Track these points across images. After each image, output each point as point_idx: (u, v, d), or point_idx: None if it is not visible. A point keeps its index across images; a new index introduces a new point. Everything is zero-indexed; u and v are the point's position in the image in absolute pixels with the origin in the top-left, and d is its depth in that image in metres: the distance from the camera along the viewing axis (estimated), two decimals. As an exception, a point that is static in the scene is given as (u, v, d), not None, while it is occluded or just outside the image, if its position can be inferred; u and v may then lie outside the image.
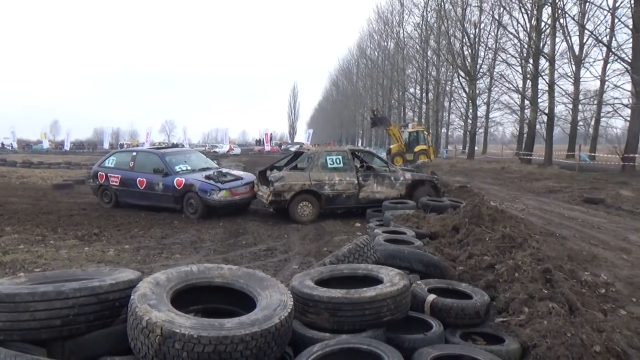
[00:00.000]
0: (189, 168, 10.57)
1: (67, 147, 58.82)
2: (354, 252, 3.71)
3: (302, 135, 77.84)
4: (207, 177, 9.85)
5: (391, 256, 4.15)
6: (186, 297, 2.77)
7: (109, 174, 10.88)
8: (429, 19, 41.95)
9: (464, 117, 40.25)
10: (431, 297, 3.38)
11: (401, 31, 49.05)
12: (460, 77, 36.58)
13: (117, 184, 10.71)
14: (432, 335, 2.94)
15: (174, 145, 15.71)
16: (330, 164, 9.35)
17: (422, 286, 3.60)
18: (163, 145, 21.71)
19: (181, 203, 9.84)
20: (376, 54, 58.41)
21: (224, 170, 10.88)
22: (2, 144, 62.36)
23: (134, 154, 11.24)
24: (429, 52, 42.51)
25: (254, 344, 2.23)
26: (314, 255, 6.34)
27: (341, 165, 9.44)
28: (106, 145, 60.55)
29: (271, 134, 68.52)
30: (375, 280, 3.18)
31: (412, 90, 49.07)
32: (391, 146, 30.97)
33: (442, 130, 47.03)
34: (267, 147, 59.67)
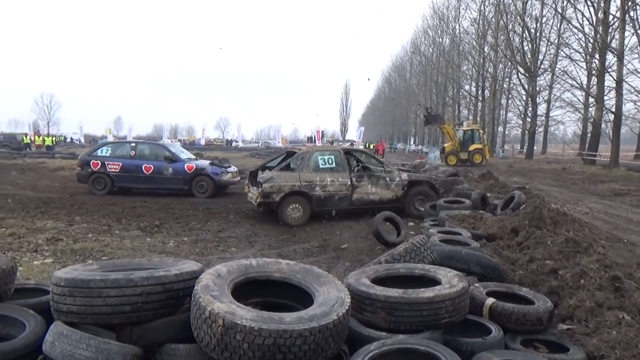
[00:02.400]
0: (190, 156, 13.26)
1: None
2: (410, 251, 3.67)
3: (354, 133, 77.59)
4: (212, 164, 12.44)
5: (448, 257, 4.07)
6: (245, 290, 2.84)
7: (105, 162, 12.23)
8: (486, 14, 40.74)
9: (522, 116, 38.81)
10: (490, 300, 3.29)
11: (457, 27, 47.97)
12: (520, 74, 35.27)
13: (118, 170, 12.22)
14: (491, 339, 2.86)
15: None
16: (322, 165, 8.96)
17: (481, 289, 3.50)
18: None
19: (190, 185, 11.96)
20: (431, 50, 57.37)
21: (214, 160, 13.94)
22: (71, 138, 66.30)
23: (133, 144, 13.27)
24: (486, 48, 41.27)
25: (312, 339, 2.25)
26: (366, 253, 6.32)
27: (334, 165, 9.04)
28: (165, 139, 63.00)
29: (323, 131, 68.79)
30: (433, 281, 3.13)
31: (467, 87, 47.87)
32: (445, 145, 30.28)
33: (499, 129, 45.47)
34: (319, 144, 60.00)
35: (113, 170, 12.17)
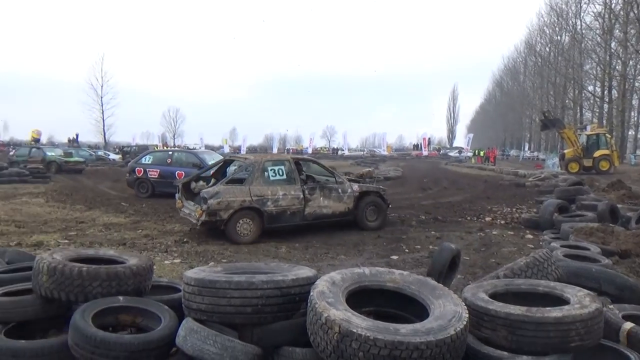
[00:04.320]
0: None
1: (243, 151, 65.66)
2: (532, 266, 3.42)
3: (462, 140, 74.77)
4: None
5: (575, 274, 3.73)
6: (357, 298, 2.86)
7: (147, 169, 13.58)
8: (613, 7, 36.90)
9: (659, 117, 34.41)
10: (628, 325, 2.95)
11: (578, 22, 44.14)
12: (656, 71, 31.37)
13: (156, 176, 13.33)
14: (630, 369, 2.56)
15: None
16: (272, 176, 8.12)
17: (616, 312, 3.16)
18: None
19: None
20: (547, 49, 53.42)
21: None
22: (193, 148, 72.21)
23: (170, 152, 14.72)
24: (612, 44, 37.41)
25: (428, 353, 2.20)
26: (480, 266, 6.03)
27: (284, 177, 8.23)
28: (275, 150, 65.98)
29: (429, 138, 67.28)
30: (559, 300, 2.88)
31: (590, 88, 43.73)
32: (565, 151, 27.90)
33: (629, 133, 40.84)
34: (425, 152, 58.78)
35: (153, 176, 13.50)
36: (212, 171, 9.24)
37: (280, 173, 8.22)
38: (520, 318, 2.57)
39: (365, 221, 8.82)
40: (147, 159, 14.44)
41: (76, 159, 25.37)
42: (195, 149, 30.69)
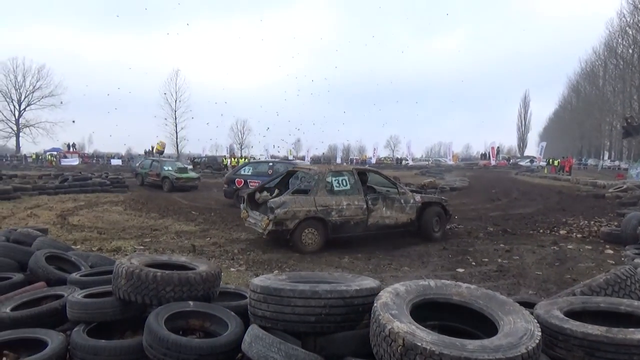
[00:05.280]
0: None
1: (307, 162, 66.65)
2: (612, 283, 3.19)
3: (534, 149, 71.16)
4: None
5: (663, 294, 3.43)
6: (421, 311, 2.80)
7: (248, 180, 13.96)
8: None
9: None
10: None
11: (666, 21, 40.74)
12: None
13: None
14: None
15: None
16: (336, 187, 8.13)
17: None
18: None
19: None
20: (630, 51, 49.75)
21: None
22: (259, 159, 74.26)
23: (271, 164, 15.01)
24: None
25: (497, 371, 2.11)
26: (554, 282, 5.71)
27: (348, 187, 8.22)
28: (338, 160, 66.35)
29: (498, 147, 64.78)
30: (644, 321, 2.67)
31: (681, 91, 40.13)
32: (651, 160, 25.81)
33: None
34: (493, 161, 56.60)
35: (253, 187, 13.43)
36: (275, 182, 9.41)
37: (344, 183, 8.27)
38: (600, 339, 2.40)
39: (430, 232, 8.78)
40: (246, 170, 15.06)
41: (189, 175, 22.92)
42: (264, 159, 31.36)
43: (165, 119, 63.37)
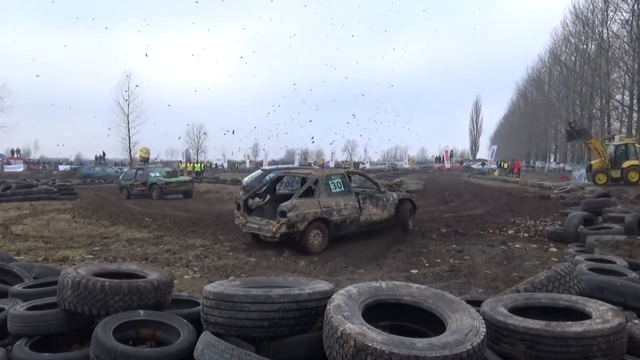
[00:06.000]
0: None
1: (265, 166, 66.18)
2: (553, 280, 3.36)
3: (485, 152, 73.63)
4: None
5: (599, 288, 3.64)
6: (374, 312, 2.85)
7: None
8: (640, 13, 36.16)
9: (691, 126, 33.37)
10: (654, 340, 2.86)
11: (605, 31, 43.20)
12: (686, 78, 30.52)
13: None
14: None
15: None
16: (333, 189, 8.74)
17: (642, 327, 3.06)
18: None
19: None
20: (573, 59, 52.46)
21: None
22: (216, 164, 73.13)
23: (284, 177, 14.47)
24: (641, 52, 36.52)
25: (445, 367, 2.18)
26: (502, 280, 5.93)
27: (342, 189, 8.91)
28: (296, 164, 66.34)
29: (451, 150, 66.69)
30: (581, 314, 2.82)
31: (618, 97, 42.63)
32: (592, 162, 27.21)
33: (661, 143, 39.61)
34: (447, 165, 58.18)
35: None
36: (265, 188, 9.74)
37: (339, 185, 8.92)
38: (540, 333, 2.53)
39: (406, 225, 9.88)
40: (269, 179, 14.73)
41: (179, 178, 21.33)
42: (217, 165, 30.67)
43: (118, 123, 61.39)
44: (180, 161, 51.92)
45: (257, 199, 9.14)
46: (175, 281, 5.61)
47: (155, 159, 57.28)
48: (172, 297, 3.51)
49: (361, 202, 9.02)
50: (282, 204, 8.08)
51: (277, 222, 7.88)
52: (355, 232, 8.94)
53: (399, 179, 22.55)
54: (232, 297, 2.75)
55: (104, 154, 53.41)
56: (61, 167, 52.30)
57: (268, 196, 9.37)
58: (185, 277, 6.16)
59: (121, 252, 7.82)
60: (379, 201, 9.43)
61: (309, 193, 8.59)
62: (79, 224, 11.26)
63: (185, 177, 21.87)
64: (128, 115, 62.09)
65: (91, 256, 7.47)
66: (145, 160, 40.23)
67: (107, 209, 14.85)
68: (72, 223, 11.34)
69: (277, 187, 10.04)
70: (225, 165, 70.30)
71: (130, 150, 63.14)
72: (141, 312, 3.07)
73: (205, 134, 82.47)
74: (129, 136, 62.76)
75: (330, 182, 8.78)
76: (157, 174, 20.90)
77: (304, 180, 9.46)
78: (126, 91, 60.48)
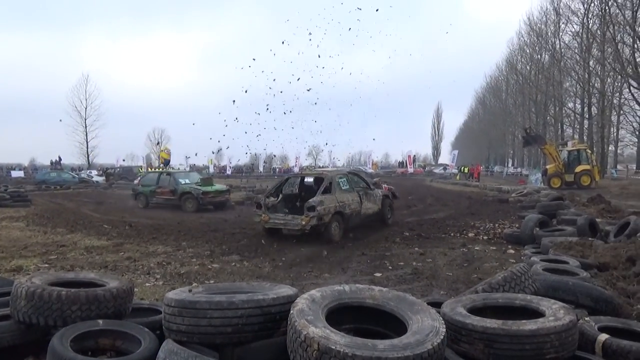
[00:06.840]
0: None
1: (229, 171, 65.37)
2: (509, 280, 3.48)
3: (447, 157, 75.47)
4: None
5: (552, 287, 3.80)
6: (338, 316, 2.88)
7: None
8: (590, 26, 37.95)
9: (637, 133, 35.25)
10: (603, 336, 3.01)
11: (557, 42, 45.16)
12: (632, 88, 32.24)
13: None
14: (605, 380, 2.61)
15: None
16: (343, 186, 10.13)
17: (592, 324, 3.22)
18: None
19: None
20: (528, 68, 54.53)
21: None
22: (179, 169, 71.69)
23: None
24: (591, 62, 38.28)
25: (406, 368, 2.23)
26: (462, 282, 6.08)
27: (347, 186, 10.33)
28: (261, 169, 65.87)
29: (414, 155, 67.89)
30: (535, 313, 2.94)
31: (570, 105, 44.61)
32: (547, 167, 28.33)
33: (609, 148, 41.63)
34: (410, 169, 59.13)
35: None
36: (275, 188, 10.84)
37: (345, 183, 10.33)
38: (496, 331, 2.62)
39: (386, 218, 11.54)
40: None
41: (217, 187, 17.67)
42: (180, 169, 29.79)
43: (74, 127, 59.44)
44: (141, 166, 50.55)
45: (272, 198, 10.25)
46: (136, 289, 5.48)
47: (115, 164, 55.80)
48: (132, 305, 3.44)
49: (361, 197, 10.40)
50: (311, 200, 9.11)
51: (307, 216, 8.90)
52: (359, 224, 10.32)
53: (377, 179, 23.26)
54: (195, 304, 2.73)
55: (60, 159, 51.52)
56: (14, 173, 50.01)
57: (281, 195, 10.64)
58: (147, 284, 6.02)
59: (79, 261, 7.57)
60: (371, 197, 10.88)
61: (327, 190, 9.66)
62: (33, 232, 10.81)
63: (222, 186, 18.30)
64: (85, 119, 60.38)
65: (47, 265, 7.19)
66: (167, 162, 35.56)
67: (63, 216, 14.32)
68: (26, 231, 10.88)
69: (284, 187, 11.11)
70: (188, 170, 69.09)
71: (88, 155, 61.32)
72: (100, 321, 2.99)
73: (163, 139, 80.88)
74: (86, 140, 61.01)
75: (340, 180, 10.14)
76: (188, 181, 17.73)
77: (320, 180, 10.37)
78: (84, 95, 58.79)
